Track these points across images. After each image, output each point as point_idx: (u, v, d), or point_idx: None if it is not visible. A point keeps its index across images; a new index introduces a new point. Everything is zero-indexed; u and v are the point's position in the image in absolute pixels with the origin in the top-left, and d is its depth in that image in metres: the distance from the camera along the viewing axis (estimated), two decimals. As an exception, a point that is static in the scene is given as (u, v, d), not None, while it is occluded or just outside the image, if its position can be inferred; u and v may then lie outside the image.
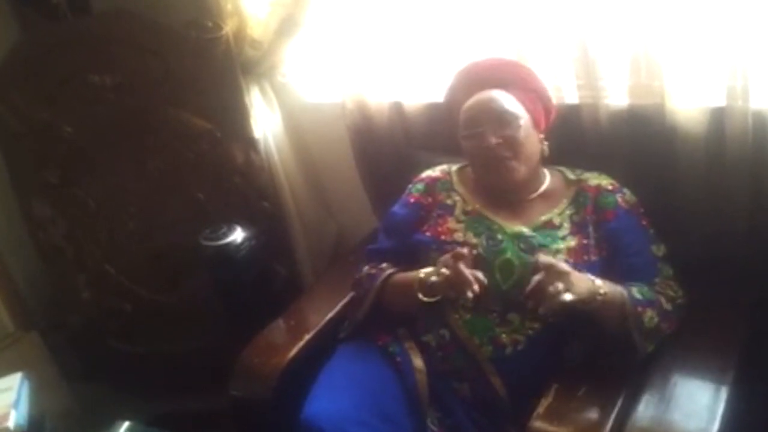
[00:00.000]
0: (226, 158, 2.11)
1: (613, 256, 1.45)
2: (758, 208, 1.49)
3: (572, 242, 1.44)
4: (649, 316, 1.36)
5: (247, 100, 2.05)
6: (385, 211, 1.73)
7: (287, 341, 1.62)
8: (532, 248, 1.43)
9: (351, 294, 1.67)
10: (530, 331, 1.42)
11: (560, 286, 1.27)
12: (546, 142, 1.55)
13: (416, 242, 1.56)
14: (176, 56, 2.03)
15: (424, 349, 1.48)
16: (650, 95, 1.54)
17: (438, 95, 1.72)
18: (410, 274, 1.50)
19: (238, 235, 1.99)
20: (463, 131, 1.53)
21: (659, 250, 1.47)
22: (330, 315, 1.69)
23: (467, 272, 1.34)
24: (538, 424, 1.25)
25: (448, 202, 1.59)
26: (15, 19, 2.26)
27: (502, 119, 1.47)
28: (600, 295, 1.32)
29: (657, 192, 1.55)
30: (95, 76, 2.09)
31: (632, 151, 1.59)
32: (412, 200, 1.63)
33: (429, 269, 1.45)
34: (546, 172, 1.58)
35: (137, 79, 2.09)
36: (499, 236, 1.47)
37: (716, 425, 1.20)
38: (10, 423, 1.52)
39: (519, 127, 1.47)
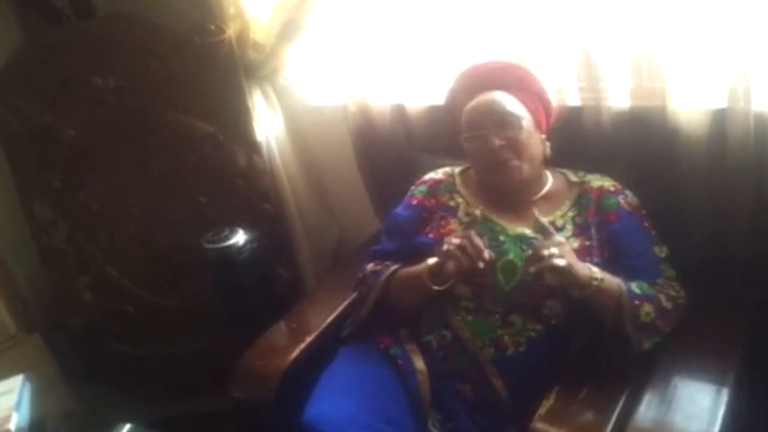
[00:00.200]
0: (229, 161, 2.11)
1: (616, 258, 1.45)
2: (760, 208, 1.49)
3: (575, 244, 1.44)
4: (646, 310, 1.36)
5: (249, 103, 2.05)
6: (387, 213, 1.73)
7: (289, 344, 1.63)
8: None
9: (353, 296, 1.67)
10: (532, 333, 1.42)
11: (555, 251, 1.31)
12: (548, 143, 1.55)
13: (419, 244, 1.56)
14: (179, 59, 2.04)
15: (426, 350, 1.48)
16: (652, 97, 1.54)
17: (439, 97, 1.73)
18: (416, 267, 1.50)
19: (240, 237, 2.00)
20: (465, 133, 1.53)
21: (661, 251, 1.47)
22: (331, 317, 1.70)
23: (479, 240, 1.38)
24: (539, 425, 1.25)
25: (451, 204, 1.59)
26: (18, 22, 2.27)
27: (504, 120, 1.48)
28: (596, 280, 1.33)
29: (659, 193, 1.55)
30: (97, 79, 2.10)
31: (634, 153, 1.59)
32: (414, 202, 1.63)
33: (436, 259, 1.45)
34: (548, 174, 1.58)
35: (139, 81, 2.09)
36: (502, 238, 1.48)
37: (717, 427, 1.20)
38: (12, 425, 1.52)
39: (521, 128, 1.47)
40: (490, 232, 1.49)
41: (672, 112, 1.51)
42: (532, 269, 1.34)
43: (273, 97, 2.12)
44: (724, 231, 1.53)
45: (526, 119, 1.49)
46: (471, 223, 1.44)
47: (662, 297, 1.39)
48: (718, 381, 1.31)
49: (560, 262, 1.31)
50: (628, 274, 1.41)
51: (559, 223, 1.49)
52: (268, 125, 2.11)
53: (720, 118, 1.46)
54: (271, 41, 1.95)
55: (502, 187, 1.52)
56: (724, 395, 1.27)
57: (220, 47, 1.97)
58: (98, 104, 2.12)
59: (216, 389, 1.62)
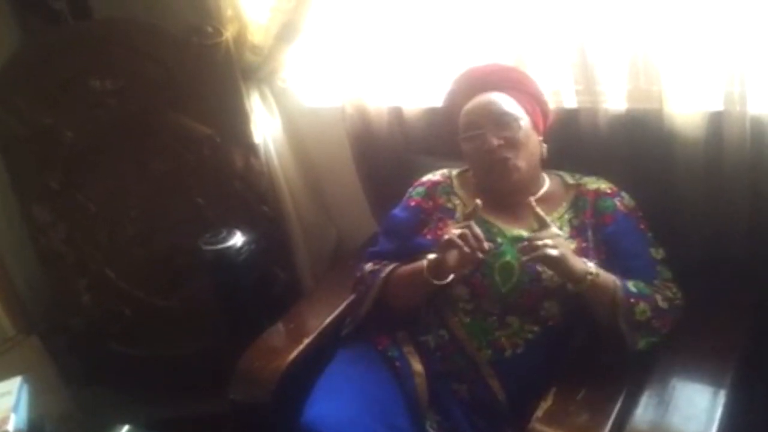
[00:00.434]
0: (226, 163, 2.11)
1: (612, 260, 1.45)
2: (756, 210, 1.50)
3: (571, 246, 1.44)
4: (641, 309, 1.36)
5: (247, 104, 2.06)
6: (384, 215, 1.73)
7: (287, 345, 1.63)
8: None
9: (351, 297, 1.67)
10: (529, 335, 1.43)
11: (549, 241, 1.32)
12: (545, 145, 1.56)
13: (416, 246, 1.56)
14: (177, 61, 2.04)
15: (423, 350, 1.49)
16: (649, 100, 1.54)
17: (437, 100, 1.73)
18: (416, 263, 1.50)
19: (238, 239, 2.00)
20: (463, 134, 1.53)
21: (658, 253, 1.47)
22: (330, 319, 1.70)
23: (479, 230, 1.39)
24: (537, 427, 1.26)
25: (449, 205, 1.59)
26: (17, 24, 2.27)
27: (502, 121, 1.48)
28: (591, 274, 1.34)
29: (656, 196, 1.55)
30: (96, 81, 2.10)
31: (631, 156, 1.59)
32: (412, 204, 1.63)
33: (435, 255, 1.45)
34: (545, 176, 1.58)
35: (138, 83, 2.10)
36: (499, 239, 1.48)
37: (714, 428, 1.20)
38: (10, 427, 1.52)
39: (519, 128, 1.48)
40: (488, 234, 1.48)
41: (669, 115, 1.51)
42: (525, 258, 1.35)
43: (271, 99, 2.12)
44: (721, 233, 1.54)
45: (524, 120, 1.50)
46: (472, 212, 1.43)
47: (659, 297, 1.39)
48: (716, 382, 1.31)
49: (553, 252, 1.31)
50: (625, 275, 1.41)
51: (556, 225, 1.49)
52: (265, 127, 2.11)
53: (717, 121, 1.46)
54: (269, 43, 1.95)
55: (500, 187, 1.52)
56: (722, 396, 1.27)
57: (217, 49, 1.97)
58: (97, 106, 2.12)
59: (215, 390, 1.62)
